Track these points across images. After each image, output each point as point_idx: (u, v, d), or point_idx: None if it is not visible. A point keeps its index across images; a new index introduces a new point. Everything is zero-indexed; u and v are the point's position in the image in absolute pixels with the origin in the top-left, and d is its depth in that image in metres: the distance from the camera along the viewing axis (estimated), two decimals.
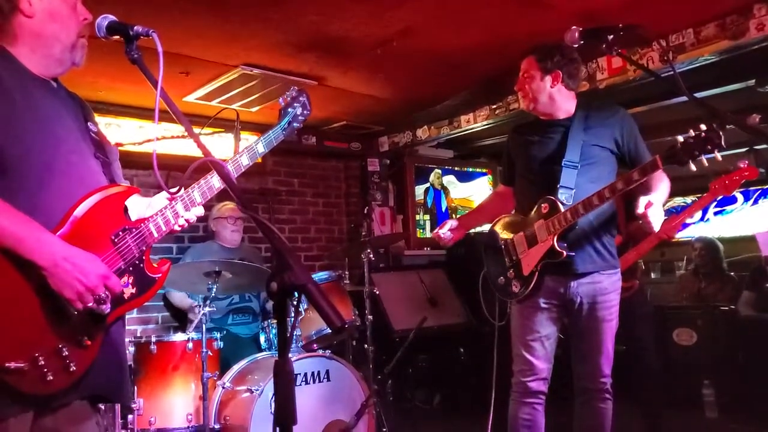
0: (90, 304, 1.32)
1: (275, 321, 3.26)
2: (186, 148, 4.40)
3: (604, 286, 2.35)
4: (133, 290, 1.46)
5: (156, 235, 1.50)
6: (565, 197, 2.30)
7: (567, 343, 2.46)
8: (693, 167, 1.95)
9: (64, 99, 1.52)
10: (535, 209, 2.37)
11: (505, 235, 2.52)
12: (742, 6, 3.16)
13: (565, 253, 2.27)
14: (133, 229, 1.46)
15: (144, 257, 1.49)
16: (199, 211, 1.61)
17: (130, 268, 1.45)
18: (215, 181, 1.59)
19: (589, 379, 2.37)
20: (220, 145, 4.54)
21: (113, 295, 1.36)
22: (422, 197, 6.00)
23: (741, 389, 3.52)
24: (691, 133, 1.94)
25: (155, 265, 1.53)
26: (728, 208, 6.78)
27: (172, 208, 1.53)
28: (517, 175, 2.58)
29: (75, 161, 1.43)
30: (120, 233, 1.43)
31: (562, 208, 2.27)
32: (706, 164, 1.94)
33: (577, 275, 2.33)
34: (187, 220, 1.59)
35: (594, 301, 2.33)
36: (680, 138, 1.96)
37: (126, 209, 1.50)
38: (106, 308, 1.36)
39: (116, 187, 1.47)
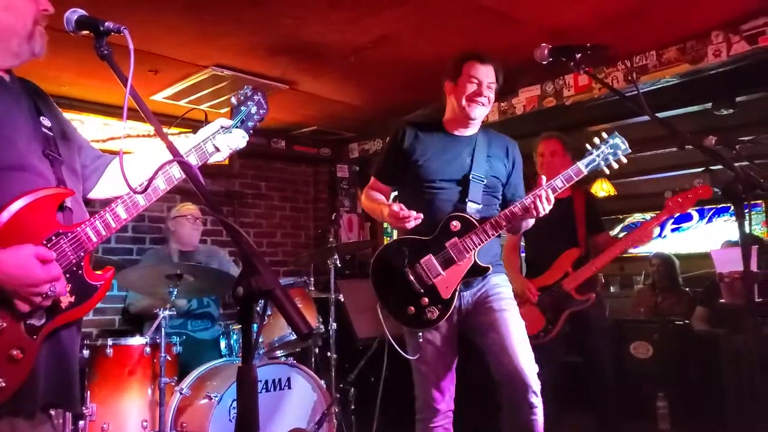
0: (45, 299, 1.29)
1: (237, 326, 3.24)
2: (152, 146, 4.32)
3: (495, 283, 2.32)
4: (72, 299, 1.37)
5: (95, 239, 1.41)
6: (473, 211, 2.26)
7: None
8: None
9: (16, 95, 1.45)
10: (440, 228, 2.25)
11: (405, 260, 2.27)
12: (701, 32, 3.29)
13: (491, 267, 2.25)
14: (69, 234, 1.37)
15: (83, 263, 1.41)
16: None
17: (67, 276, 1.37)
18: (159, 183, 1.53)
19: (513, 380, 2.15)
20: (181, 144, 4.47)
21: (59, 281, 1.31)
22: None
23: (693, 402, 3.62)
24: None
25: (98, 272, 1.45)
26: (684, 225, 7.01)
27: (112, 211, 1.46)
28: (414, 183, 2.36)
29: (22, 165, 1.36)
30: (53, 238, 1.35)
31: (477, 224, 2.22)
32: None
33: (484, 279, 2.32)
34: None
35: (486, 296, 2.30)
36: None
37: (67, 209, 1.42)
38: (40, 321, 1.31)
39: (47, 189, 1.38)
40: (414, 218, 2.17)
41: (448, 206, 2.30)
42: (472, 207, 2.28)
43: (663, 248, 5.99)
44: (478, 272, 2.25)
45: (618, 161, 2.25)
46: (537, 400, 2.15)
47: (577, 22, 3.11)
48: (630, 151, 2.22)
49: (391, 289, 2.31)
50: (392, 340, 2.31)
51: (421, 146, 2.37)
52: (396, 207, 2.21)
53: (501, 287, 2.33)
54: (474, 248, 2.22)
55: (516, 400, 2.15)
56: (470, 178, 2.29)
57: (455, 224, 2.24)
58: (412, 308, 2.26)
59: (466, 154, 2.35)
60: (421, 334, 2.29)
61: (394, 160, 2.43)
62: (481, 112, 2.34)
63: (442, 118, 2.46)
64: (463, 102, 2.32)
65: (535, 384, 2.15)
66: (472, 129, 2.41)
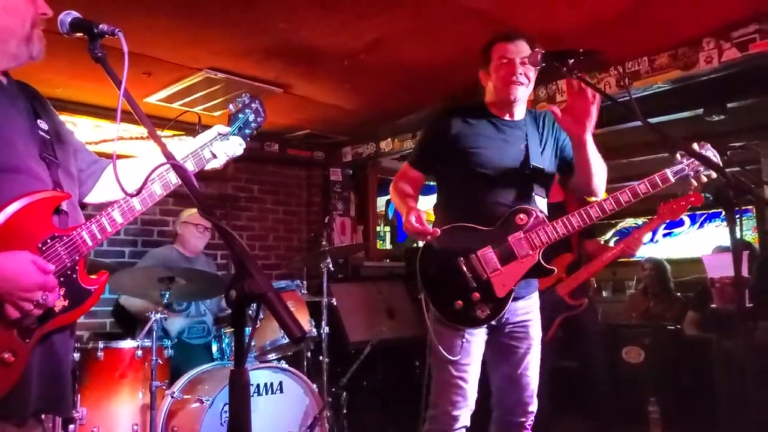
0: (37, 308, 1.28)
1: (229, 330, 3.23)
2: (145, 149, 4.30)
3: (535, 300, 2.21)
4: (65, 303, 1.37)
5: (90, 243, 1.41)
6: (541, 206, 2.11)
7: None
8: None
9: (13, 97, 1.45)
10: (505, 220, 2.07)
11: (460, 249, 2.07)
12: (692, 39, 3.32)
13: (555, 269, 2.10)
14: (64, 237, 1.37)
15: (77, 267, 1.40)
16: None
17: (62, 279, 1.36)
18: (156, 188, 1.53)
19: (514, 413, 2.14)
20: (178, 149, 4.46)
21: (53, 290, 1.31)
22: (383, 209, 6.02)
23: (684, 406, 3.63)
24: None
25: (93, 276, 1.44)
26: (676, 230, 7.06)
27: (108, 215, 1.45)
28: (463, 172, 2.16)
29: (18, 167, 1.36)
30: (48, 241, 1.35)
31: (547, 220, 2.06)
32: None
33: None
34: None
35: (527, 319, 2.17)
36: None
37: (63, 212, 1.41)
38: (32, 324, 1.30)
39: (43, 192, 1.38)
40: (431, 234, 1.99)
41: (506, 197, 2.10)
42: (540, 202, 2.11)
43: (655, 253, 6.03)
44: (540, 273, 2.07)
45: (708, 176, 2.06)
46: (530, 423, 2.15)
47: (570, 28, 3.13)
48: (722, 166, 1.99)
49: (440, 279, 2.09)
50: (433, 338, 2.09)
51: (471, 132, 2.16)
52: (413, 217, 2.00)
53: (537, 309, 2.21)
54: (541, 246, 2.04)
55: (510, 424, 2.15)
56: (532, 168, 2.12)
57: (522, 217, 2.06)
58: (461, 302, 2.04)
59: (520, 141, 2.17)
60: (466, 333, 2.07)
61: (437, 147, 2.22)
62: (522, 92, 2.15)
63: (485, 102, 2.26)
64: (500, 85, 2.15)
65: (533, 411, 2.15)
66: (520, 112, 2.22)
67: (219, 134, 1.69)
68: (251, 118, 1.77)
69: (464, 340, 2.06)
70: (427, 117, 2.27)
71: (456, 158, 2.16)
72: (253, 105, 1.79)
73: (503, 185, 2.12)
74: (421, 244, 2.18)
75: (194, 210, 3.88)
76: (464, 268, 2.05)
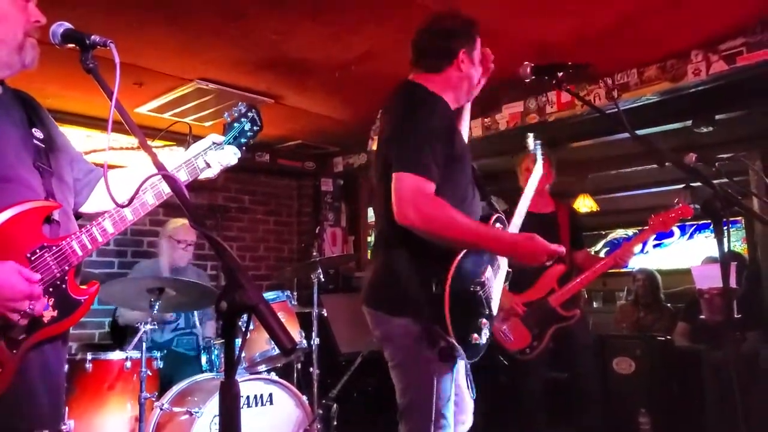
0: (23, 318, 1.27)
1: (218, 341, 3.21)
2: (135, 159, 4.29)
3: None
4: (54, 313, 1.36)
5: (80, 253, 1.40)
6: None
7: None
8: None
9: (7, 106, 1.45)
10: None
11: (474, 276, 1.78)
12: (681, 51, 3.37)
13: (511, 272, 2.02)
14: (53, 247, 1.36)
15: (67, 277, 1.39)
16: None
17: (51, 289, 1.35)
18: (148, 197, 1.52)
19: (465, 419, 1.92)
20: (172, 158, 4.45)
21: (39, 299, 1.29)
22: (375, 219, 6.01)
23: (674, 417, 3.64)
24: None
25: (83, 287, 1.43)
26: (666, 241, 7.11)
27: (99, 225, 1.44)
28: (457, 176, 1.82)
29: (9, 176, 1.35)
30: (37, 251, 1.34)
31: (507, 223, 1.98)
32: None
33: None
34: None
35: None
36: None
37: (54, 221, 1.40)
38: (20, 335, 1.29)
39: (34, 201, 1.37)
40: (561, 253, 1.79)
41: (479, 205, 1.94)
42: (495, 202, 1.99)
43: (644, 264, 6.06)
44: (506, 279, 1.98)
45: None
46: None
47: (560, 40, 3.16)
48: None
49: (465, 316, 1.74)
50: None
51: (458, 129, 1.93)
52: (540, 240, 1.74)
53: None
54: None
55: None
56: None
57: (499, 228, 1.91)
58: (476, 335, 1.75)
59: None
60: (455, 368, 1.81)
61: (446, 146, 1.76)
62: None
63: (434, 88, 1.90)
64: (476, 86, 1.98)
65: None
66: None
67: (213, 143, 1.67)
68: (247, 127, 1.75)
69: (455, 372, 1.81)
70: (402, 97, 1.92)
71: (455, 161, 1.80)
72: (249, 114, 1.76)
73: (476, 191, 1.94)
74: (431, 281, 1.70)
75: (179, 224, 3.82)
76: (482, 295, 1.78)
